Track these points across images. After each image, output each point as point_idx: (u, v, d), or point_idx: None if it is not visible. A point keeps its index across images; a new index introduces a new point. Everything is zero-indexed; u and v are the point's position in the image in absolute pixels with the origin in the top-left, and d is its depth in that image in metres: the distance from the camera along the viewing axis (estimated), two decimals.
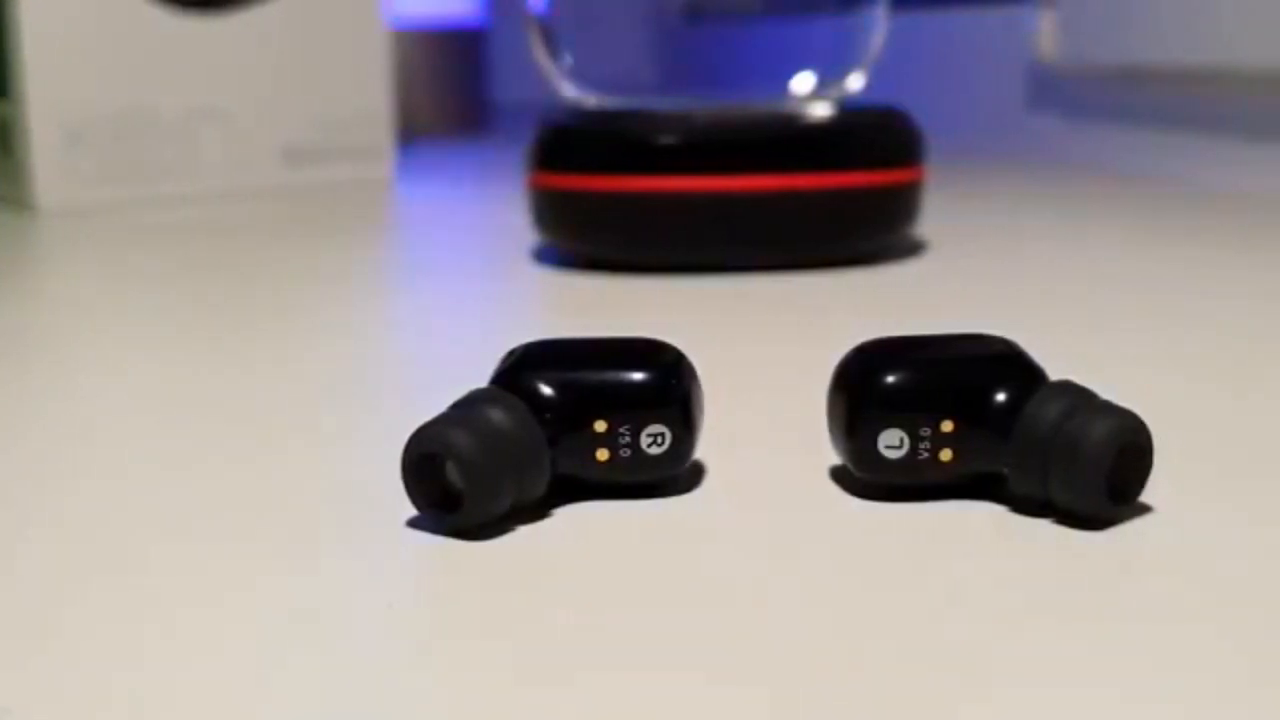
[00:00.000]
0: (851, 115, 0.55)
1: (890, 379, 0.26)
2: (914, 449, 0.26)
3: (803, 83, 0.59)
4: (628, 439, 0.26)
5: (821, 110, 0.55)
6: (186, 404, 0.35)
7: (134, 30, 0.75)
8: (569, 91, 0.60)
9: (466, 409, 0.26)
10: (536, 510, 0.26)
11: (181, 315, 0.46)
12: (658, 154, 0.51)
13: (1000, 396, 0.26)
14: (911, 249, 0.57)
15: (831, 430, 0.27)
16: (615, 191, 0.51)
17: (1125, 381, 0.35)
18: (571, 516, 0.26)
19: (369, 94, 0.85)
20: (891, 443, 0.26)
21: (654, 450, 0.26)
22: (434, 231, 0.69)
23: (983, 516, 0.26)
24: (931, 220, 0.62)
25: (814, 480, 0.28)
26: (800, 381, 0.36)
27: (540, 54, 0.60)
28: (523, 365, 0.27)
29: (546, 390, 0.26)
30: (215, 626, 0.21)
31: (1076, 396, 0.25)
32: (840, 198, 0.52)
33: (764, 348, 0.40)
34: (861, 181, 0.52)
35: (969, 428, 0.26)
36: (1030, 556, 0.24)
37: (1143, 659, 0.20)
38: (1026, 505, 0.26)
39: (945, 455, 0.26)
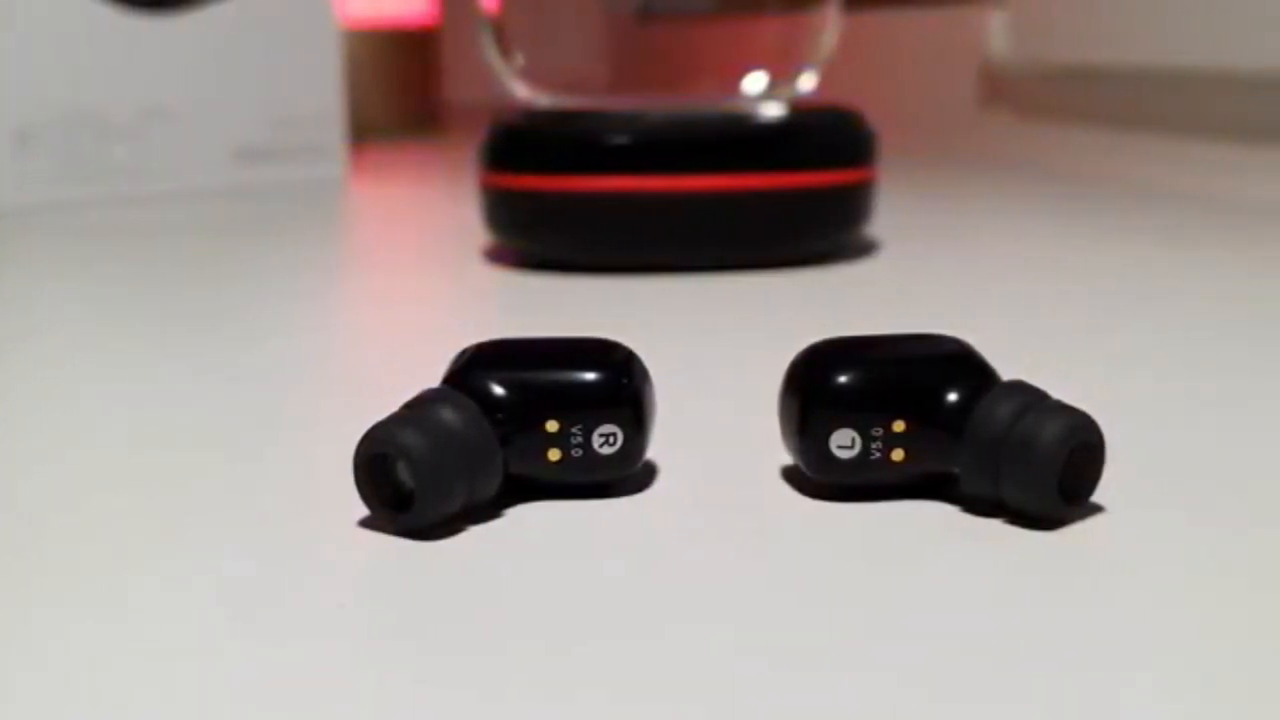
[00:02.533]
0: (804, 115, 0.55)
1: (842, 379, 0.26)
2: (866, 449, 0.26)
3: (755, 83, 0.59)
4: (579, 439, 0.26)
5: (773, 110, 0.55)
6: (138, 403, 0.35)
7: (85, 30, 0.75)
8: (521, 91, 0.59)
9: (418, 409, 0.26)
10: (488, 510, 0.26)
11: (132, 315, 0.46)
12: (609, 154, 0.51)
13: (952, 396, 0.26)
14: (864, 249, 0.57)
15: (784, 430, 0.27)
16: (567, 191, 0.51)
17: (1077, 381, 0.35)
18: (523, 517, 0.26)
19: (321, 93, 0.85)
20: (843, 443, 0.26)
21: (606, 450, 0.26)
22: (386, 231, 0.68)
23: (934, 516, 0.26)
24: (884, 220, 0.63)
25: (766, 480, 0.28)
26: (752, 381, 0.36)
27: (492, 54, 0.60)
28: (474, 365, 0.27)
29: (498, 390, 0.26)
30: (166, 626, 0.21)
31: (1028, 396, 0.26)
32: (792, 197, 0.52)
33: (716, 348, 0.40)
34: (814, 181, 0.52)
35: (921, 428, 0.26)
36: (981, 556, 0.24)
37: (1094, 659, 0.20)
38: (978, 505, 0.26)
39: (897, 455, 0.26)
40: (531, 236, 0.54)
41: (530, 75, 0.59)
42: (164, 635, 0.21)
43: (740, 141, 0.52)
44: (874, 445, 0.26)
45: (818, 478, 0.27)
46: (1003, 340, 0.40)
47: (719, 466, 0.29)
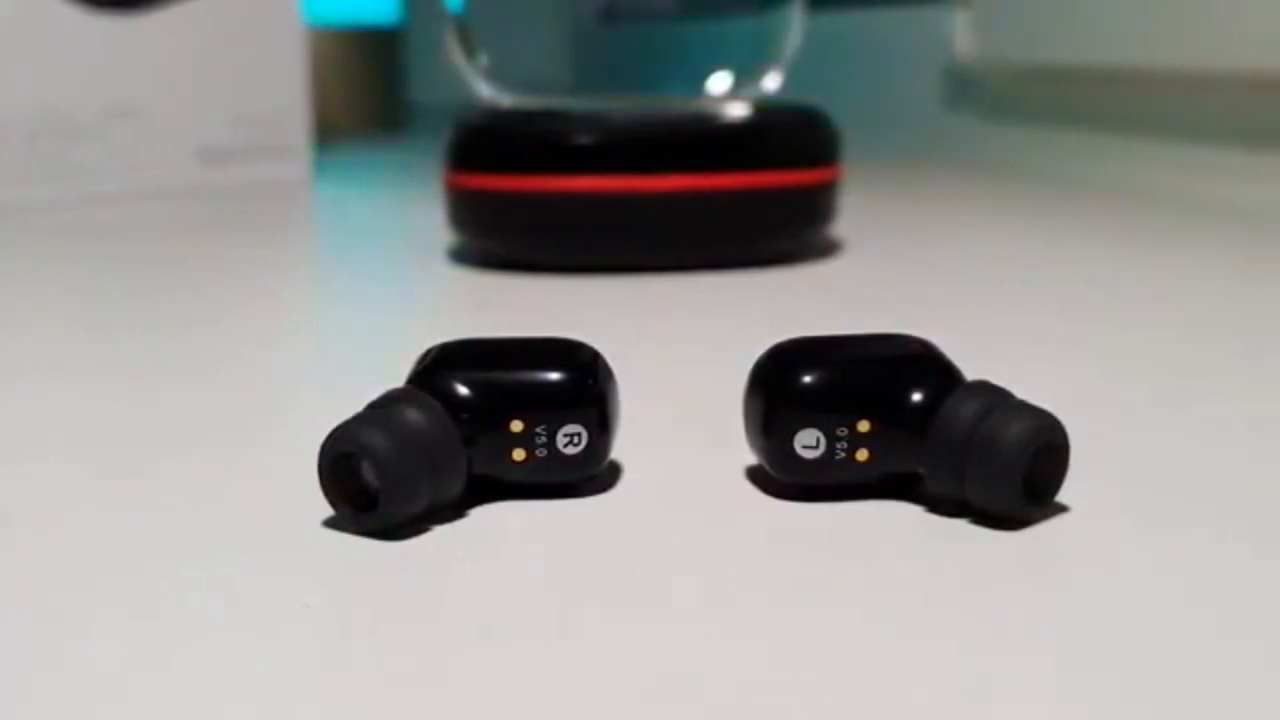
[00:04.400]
0: (768, 115, 0.55)
1: (806, 379, 0.26)
2: (830, 449, 0.26)
3: (719, 82, 0.59)
4: (544, 439, 0.26)
5: (738, 110, 0.55)
6: (101, 404, 0.35)
7: (48, 30, 0.75)
8: (485, 91, 0.59)
9: (382, 409, 0.25)
10: (452, 510, 0.26)
11: (96, 315, 0.46)
12: (574, 154, 0.51)
13: (917, 396, 0.26)
14: (829, 248, 0.57)
15: (748, 430, 0.27)
16: (531, 191, 0.51)
17: (1042, 381, 0.35)
18: (487, 517, 0.26)
19: (285, 93, 0.84)
20: (808, 443, 0.26)
21: (570, 450, 0.26)
22: (350, 231, 0.68)
23: (899, 517, 0.26)
24: (849, 220, 0.63)
25: (730, 480, 0.28)
26: (717, 381, 0.36)
27: (456, 54, 0.60)
28: (439, 365, 0.27)
29: (463, 390, 0.26)
30: (129, 626, 0.21)
31: (993, 396, 0.26)
32: (757, 197, 0.52)
33: (681, 347, 0.40)
34: (778, 181, 0.52)
35: (885, 428, 0.26)
36: (946, 556, 0.24)
37: (1057, 659, 0.20)
38: (943, 505, 0.26)
39: (862, 455, 0.26)
40: (496, 236, 0.54)
41: (494, 75, 0.59)
42: (127, 635, 0.21)
43: (704, 141, 0.52)
44: (839, 445, 0.26)
45: (782, 478, 0.27)
46: (967, 340, 0.40)
47: (684, 466, 0.29)
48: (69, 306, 0.48)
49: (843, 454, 0.26)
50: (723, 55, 0.60)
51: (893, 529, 0.25)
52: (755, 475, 0.28)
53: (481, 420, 0.26)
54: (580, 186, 0.51)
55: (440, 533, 0.25)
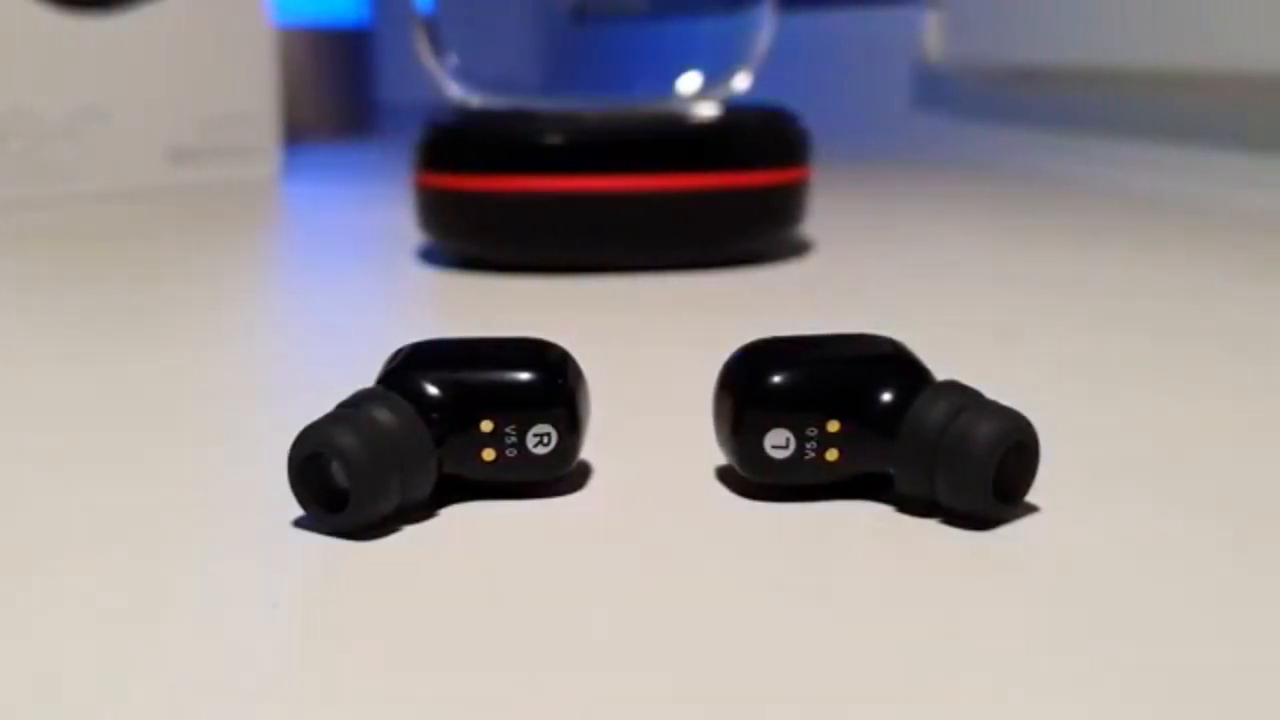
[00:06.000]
0: (738, 115, 0.55)
1: (776, 379, 0.26)
2: (800, 449, 0.26)
3: (689, 83, 0.59)
4: (514, 439, 0.26)
5: (708, 110, 0.55)
6: (69, 405, 0.35)
7: (17, 30, 0.74)
8: (454, 91, 0.59)
9: (352, 409, 0.25)
10: (423, 510, 0.26)
11: (65, 316, 0.46)
12: (543, 154, 0.51)
13: (886, 396, 0.26)
14: (798, 249, 0.57)
15: (718, 430, 0.27)
16: (501, 191, 0.51)
17: (1012, 382, 0.35)
18: (457, 516, 0.26)
19: (254, 94, 0.84)
20: (778, 443, 0.26)
21: (540, 450, 0.26)
22: (319, 232, 0.68)
23: (869, 516, 0.26)
24: (819, 220, 0.63)
25: (700, 480, 0.28)
26: (687, 381, 0.36)
27: (426, 54, 0.60)
28: (409, 365, 0.27)
29: (433, 390, 0.26)
30: (100, 627, 0.21)
31: (963, 396, 0.26)
32: (727, 198, 0.52)
33: (651, 347, 0.40)
34: (748, 181, 0.52)
35: (855, 428, 0.26)
36: (916, 556, 0.24)
37: (1028, 659, 0.20)
38: (913, 505, 0.26)
39: (831, 455, 0.26)
40: (465, 236, 0.53)
41: (464, 75, 0.59)
42: (97, 634, 0.21)
43: (674, 142, 0.52)
44: (808, 445, 0.26)
45: (752, 478, 0.27)
46: (937, 340, 0.40)
47: (653, 466, 0.29)
48: (37, 305, 0.47)
49: (812, 454, 0.26)
50: (693, 55, 0.60)
51: (863, 529, 0.25)
52: (725, 475, 0.28)
53: (451, 420, 0.26)
54: (550, 187, 0.51)
55: (410, 532, 0.25)
